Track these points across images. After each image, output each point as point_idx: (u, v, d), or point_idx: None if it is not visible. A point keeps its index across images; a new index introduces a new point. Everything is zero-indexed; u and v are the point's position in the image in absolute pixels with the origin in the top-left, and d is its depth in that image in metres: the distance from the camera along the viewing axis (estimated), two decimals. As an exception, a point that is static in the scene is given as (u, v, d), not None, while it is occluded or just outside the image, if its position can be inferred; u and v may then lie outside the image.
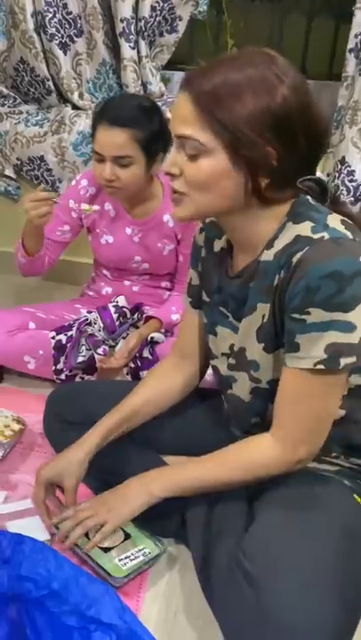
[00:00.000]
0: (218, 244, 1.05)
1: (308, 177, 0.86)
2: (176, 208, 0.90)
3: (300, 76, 0.82)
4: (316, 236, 0.82)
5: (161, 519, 1.10)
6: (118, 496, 1.01)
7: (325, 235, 0.82)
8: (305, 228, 0.84)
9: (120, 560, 1.05)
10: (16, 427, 1.39)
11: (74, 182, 1.66)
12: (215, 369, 1.10)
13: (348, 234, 0.83)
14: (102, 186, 1.51)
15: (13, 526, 1.13)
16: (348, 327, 0.81)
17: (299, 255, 0.83)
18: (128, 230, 1.64)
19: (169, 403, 1.17)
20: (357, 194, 1.81)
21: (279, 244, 0.88)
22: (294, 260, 0.83)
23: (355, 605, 0.84)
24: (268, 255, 0.90)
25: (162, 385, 1.17)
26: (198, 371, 1.18)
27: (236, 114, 0.79)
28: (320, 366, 0.83)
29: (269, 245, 0.90)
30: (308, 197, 0.89)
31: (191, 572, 1.03)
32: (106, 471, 1.13)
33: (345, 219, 0.86)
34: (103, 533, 0.98)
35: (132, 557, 1.06)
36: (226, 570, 0.88)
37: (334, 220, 0.85)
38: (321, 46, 2.17)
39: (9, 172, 2.23)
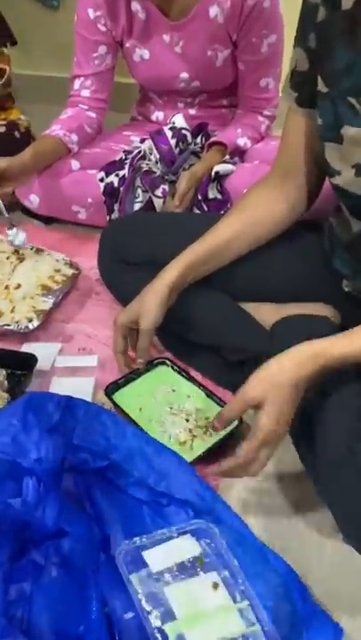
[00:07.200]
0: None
1: None
2: None
3: None
4: None
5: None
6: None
7: None
8: None
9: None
10: (69, 272, 1.20)
11: None
12: (337, 189, 0.80)
13: None
14: None
15: (59, 384, 0.96)
16: None
17: None
18: (166, 38, 1.27)
19: (267, 235, 0.91)
20: None
21: None
22: None
23: None
24: None
25: (258, 212, 0.90)
26: (307, 193, 0.89)
27: None
28: None
29: None
30: None
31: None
32: (176, 319, 0.93)
33: None
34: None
35: None
36: (343, 448, 0.67)
37: None
38: None
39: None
